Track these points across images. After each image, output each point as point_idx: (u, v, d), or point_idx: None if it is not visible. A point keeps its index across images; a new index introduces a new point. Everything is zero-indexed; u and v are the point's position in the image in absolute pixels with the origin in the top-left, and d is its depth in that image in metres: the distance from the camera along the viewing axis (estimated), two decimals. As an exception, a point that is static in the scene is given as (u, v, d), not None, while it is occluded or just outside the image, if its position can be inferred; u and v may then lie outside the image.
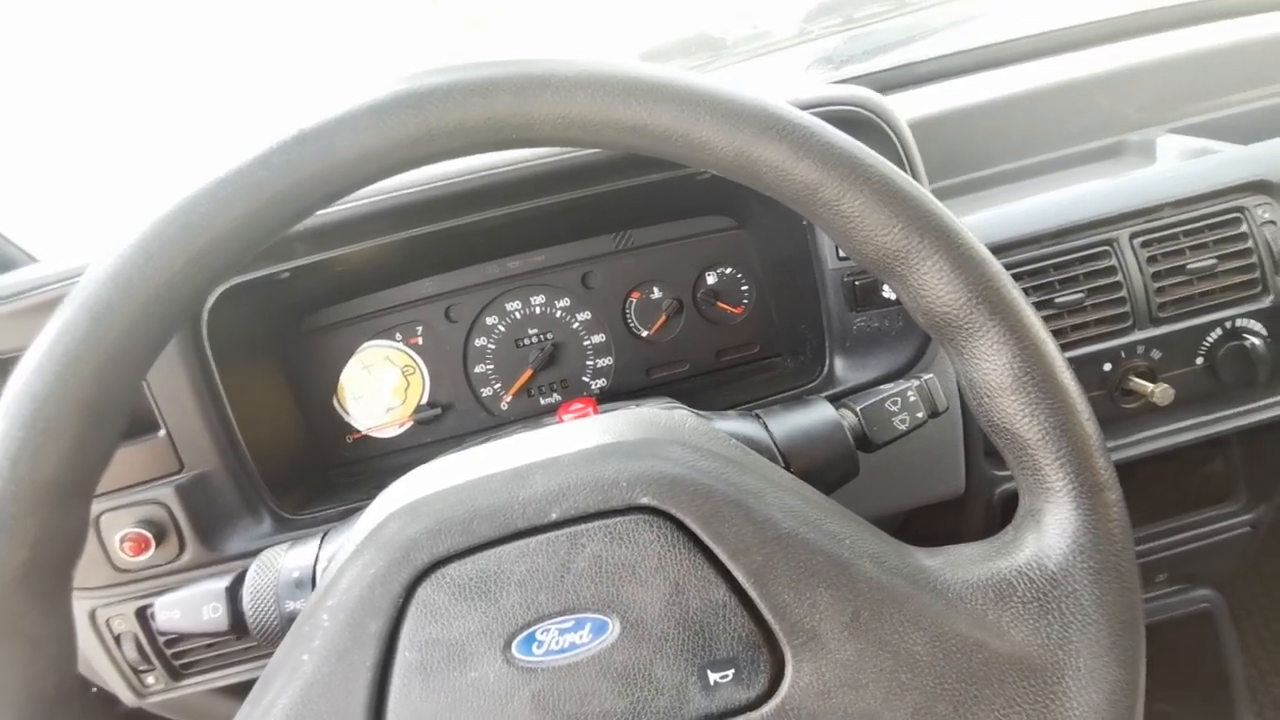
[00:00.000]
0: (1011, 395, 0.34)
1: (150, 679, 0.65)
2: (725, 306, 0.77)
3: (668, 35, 0.96)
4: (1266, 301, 0.69)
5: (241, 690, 0.72)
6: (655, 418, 0.42)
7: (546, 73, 0.34)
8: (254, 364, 0.68)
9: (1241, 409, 0.72)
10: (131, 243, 0.32)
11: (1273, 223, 0.68)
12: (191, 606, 0.46)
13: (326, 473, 0.75)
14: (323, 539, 0.47)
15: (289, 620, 0.45)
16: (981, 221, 0.67)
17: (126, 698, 0.66)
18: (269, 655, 0.66)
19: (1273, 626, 1.07)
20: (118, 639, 0.64)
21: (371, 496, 0.66)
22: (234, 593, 0.46)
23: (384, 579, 0.34)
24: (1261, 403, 0.72)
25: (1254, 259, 0.68)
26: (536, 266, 0.75)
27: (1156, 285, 0.68)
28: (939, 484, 0.70)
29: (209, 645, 0.65)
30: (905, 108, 0.65)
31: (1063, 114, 0.86)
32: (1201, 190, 0.69)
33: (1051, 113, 0.85)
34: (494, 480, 0.37)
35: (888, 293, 0.62)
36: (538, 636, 0.34)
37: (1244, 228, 0.68)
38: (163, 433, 0.60)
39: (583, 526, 0.34)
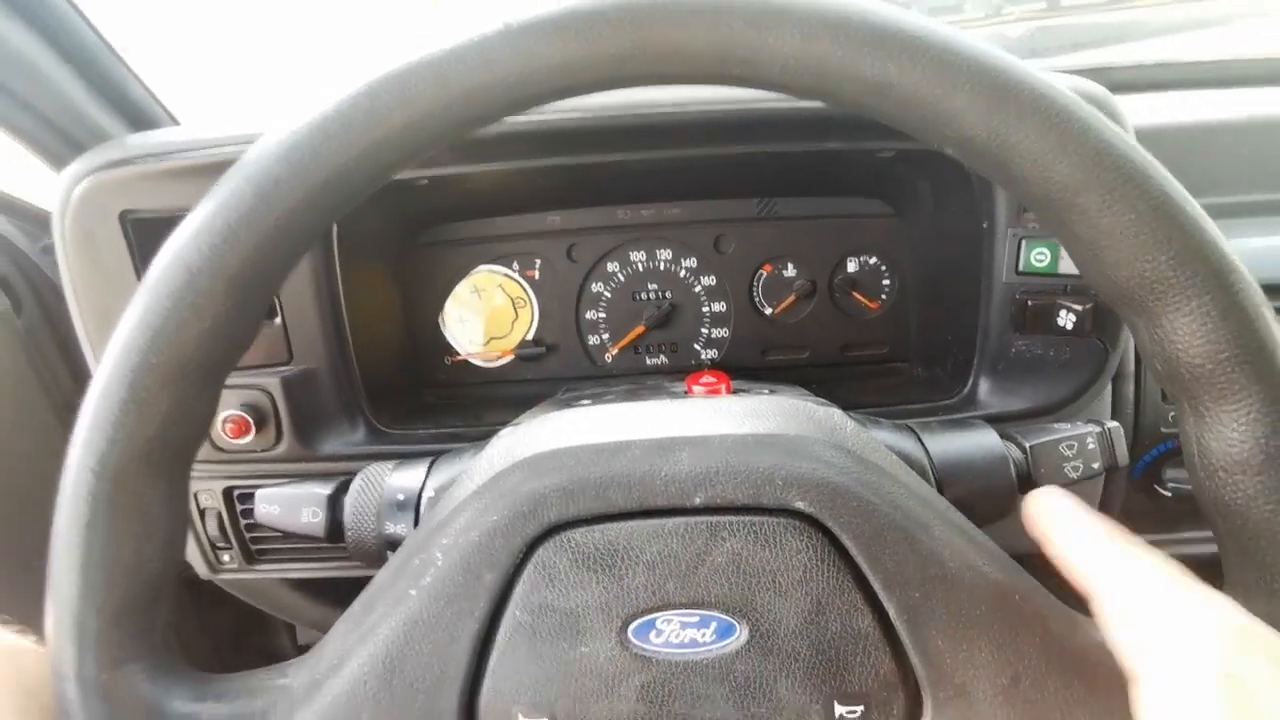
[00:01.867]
0: (1258, 475, 0.29)
1: (226, 557, 0.66)
2: (861, 298, 0.72)
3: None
4: None
5: (308, 585, 0.73)
6: (812, 413, 0.38)
7: (786, 3, 0.29)
8: (371, 269, 0.66)
9: None
10: (310, 121, 0.30)
11: None
12: (291, 506, 0.46)
13: (421, 391, 0.74)
14: (431, 466, 0.45)
15: (386, 541, 0.44)
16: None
17: (201, 569, 0.68)
18: (345, 560, 0.66)
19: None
20: (202, 514, 0.65)
21: (466, 423, 0.65)
22: (335, 501, 0.45)
23: (505, 530, 0.32)
24: None
25: None
26: (669, 219, 0.71)
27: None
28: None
29: (285, 537, 0.66)
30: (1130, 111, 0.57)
31: None
32: None
33: (1270, 149, 0.75)
34: (635, 447, 0.33)
35: (1063, 320, 0.55)
36: (658, 625, 0.31)
37: None
38: (279, 321, 0.59)
39: (727, 519, 0.31)
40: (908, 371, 0.71)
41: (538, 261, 0.73)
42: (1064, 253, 0.55)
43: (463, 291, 0.73)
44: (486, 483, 0.34)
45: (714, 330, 0.73)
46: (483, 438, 0.56)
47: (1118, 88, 0.80)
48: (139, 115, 0.63)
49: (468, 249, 0.73)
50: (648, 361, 0.74)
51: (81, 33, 0.55)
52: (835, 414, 0.39)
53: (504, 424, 0.62)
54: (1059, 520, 0.34)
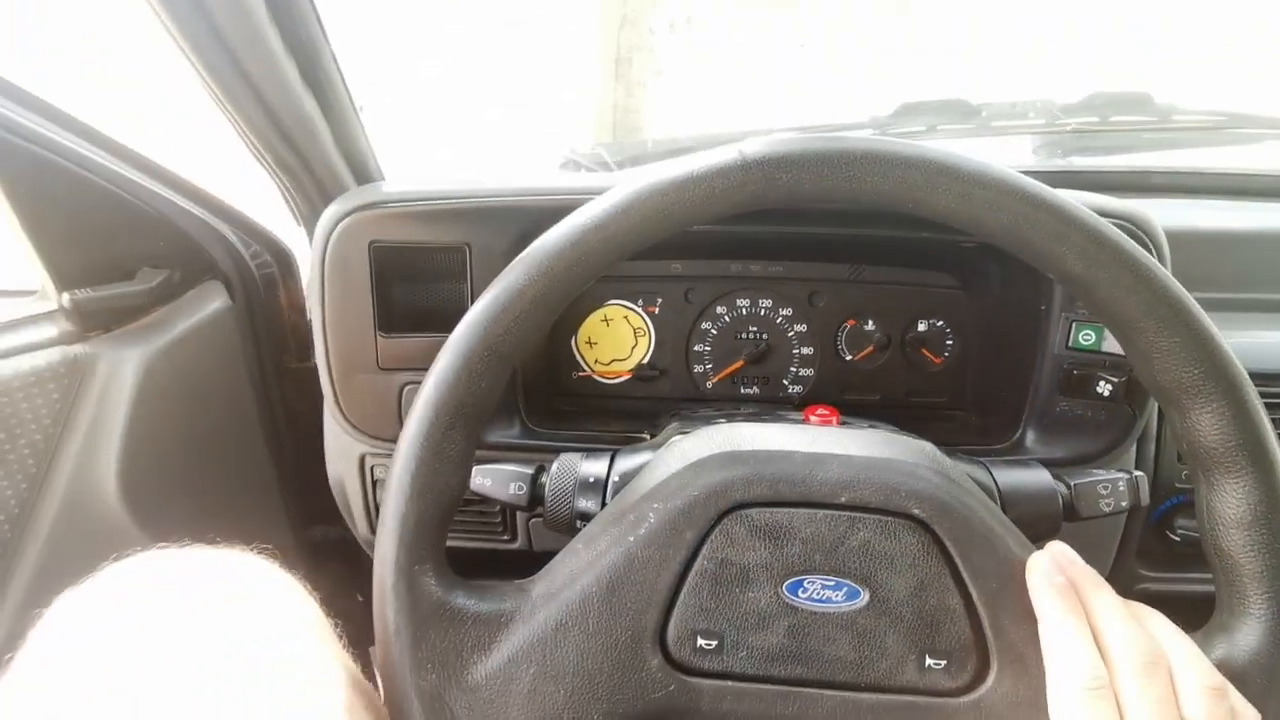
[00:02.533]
0: (1246, 531, 0.41)
1: (389, 522, 0.80)
2: (928, 354, 0.85)
3: (922, 93, 1.03)
4: None
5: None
6: (920, 446, 0.51)
7: (953, 165, 0.42)
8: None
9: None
10: (613, 203, 0.43)
11: None
12: (501, 480, 0.58)
13: (551, 398, 0.88)
14: (613, 457, 0.58)
15: (577, 514, 0.57)
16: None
17: (363, 530, 0.81)
18: (474, 532, 0.79)
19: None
20: (375, 484, 0.78)
21: (590, 428, 0.79)
22: (535, 479, 0.58)
23: (704, 501, 0.44)
24: None
25: None
26: (772, 275, 0.85)
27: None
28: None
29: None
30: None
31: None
32: None
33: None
34: (798, 456, 0.46)
35: (1101, 388, 0.69)
36: (805, 584, 0.43)
37: None
38: (468, 333, 0.74)
39: (861, 515, 0.44)
40: (963, 418, 0.84)
41: (659, 299, 0.87)
42: (1107, 335, 0.68)
43: (594, 319, 0.87)
44: (685, 468, 0.47)
45: (801, 370, 0.87)
46: (615, 441, 0.69)
47: (1152, 190, 0.94)
48: (362, 169, 0.78)
49: (604, 285, 0.87)
50: (742, 391, 0.88)
51: (344, 101, 0.71)
52: (931, 447, 0.52)
53: (627, 431, 0.76)
54: (1040, 593, 0.42)
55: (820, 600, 0.43)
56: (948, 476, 0.46)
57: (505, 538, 0.81)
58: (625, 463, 0.58)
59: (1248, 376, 0.41)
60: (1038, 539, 0.55)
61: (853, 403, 0.86)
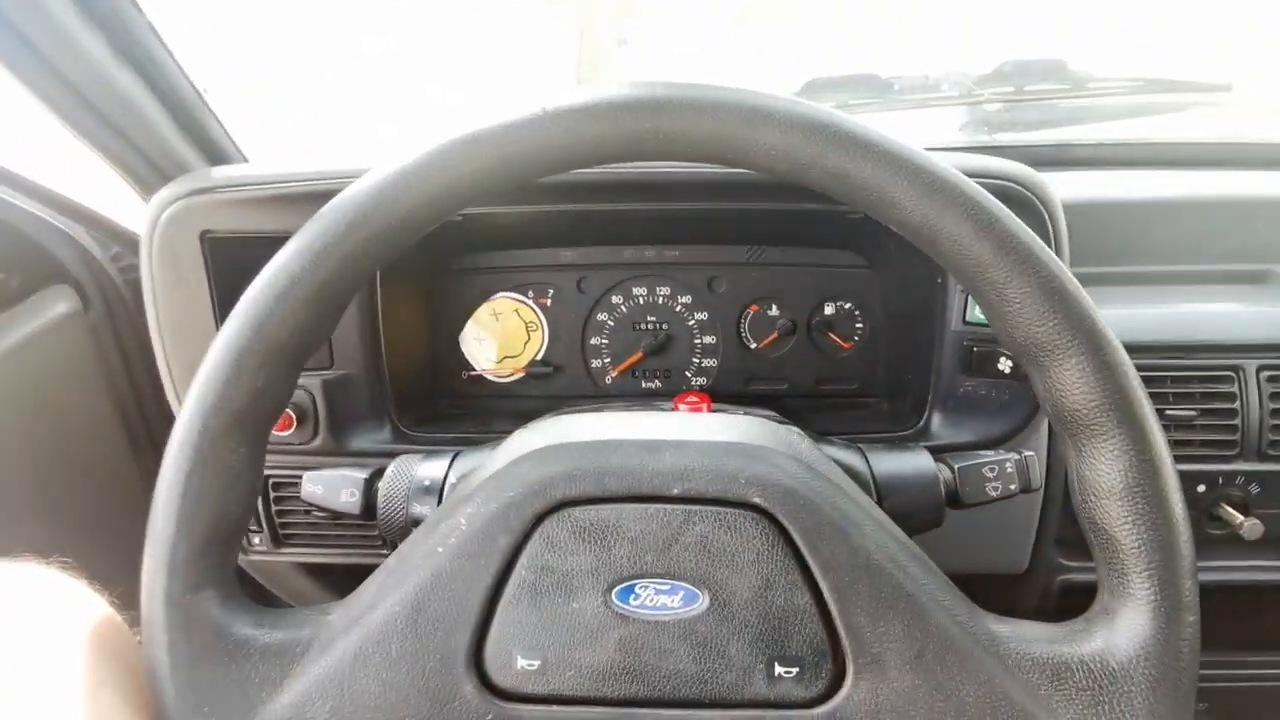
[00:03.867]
0: (1119, 501, 0.36)
1: (256, 540, 0.74)
2: (836, 338, 0.80)
3: (834, 69, 0.99)
4: (1385, 465, 0.68)
5: (320, 571, 0.80)
6: (775, 430, 0.46)
7: (771, 107, 0.37)
8: (405, 289, 0.75)
9: (1330, 564, 0.71)
10: (393, 169, 0.38)
11: None
12: (332, 487, 0.53)
13: (438, 401, 0.82)
14: (454, 458, 0.53)
15: (412, 520, 0.51)
16: (1113, 319, 0.68)
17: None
18: (359, 547, 0.74)
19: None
20: None
21: (478, 430, 0.73)
22: (370, 485, 0.53)
23: (519, 504, 0.39)
24: (1353, 563, 0.71)
25: (1383, 421, 0.67)
26: (669, 260, 0.80)
27: (1273, 422, 0.68)
28: (1004, 558, 0.72)
29: (310, 524, 0.73)
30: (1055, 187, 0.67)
31: (1214, 229, 0.85)
32: (1346, 340, 0.68)
33: (1202, 225, 0.84)
34: (628, 445, 0.41)
35: (1002, 365, 0.64)
36: (637, 590, 0.38)
37: (1381, 388, 0.67)
38: (324, 331, 0.68)
39: (697, 508, 0.39)
40: (875, 405, 0.79)
41: (551, 291, 0.82)
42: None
43: (483, 314, 0.82)
44: (505, 466, 0.42)
45: (704, 360, 0.82)
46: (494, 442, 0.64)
47: (1076, 163, 0.91)
48: (215, 151, 0.72)
49: (490, 276, 0.82)
50: (643, 385, 0.83)
51: (175, 77, 0.65)
52: (794, 431, 0.47)
53: (511, 432, 0.71)
54: None
55: (654, 608, 0.38)
56: (801, 461, 0.41)
57: (386, 553, 0.75)
58: (465, 463, 0.52)
59: (1107, 327, 0.37)
60: (920, 528, 0.50)
61: (759, 394, 0.81)
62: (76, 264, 0.78)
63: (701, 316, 0.81)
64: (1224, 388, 0.68)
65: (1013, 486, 0.51)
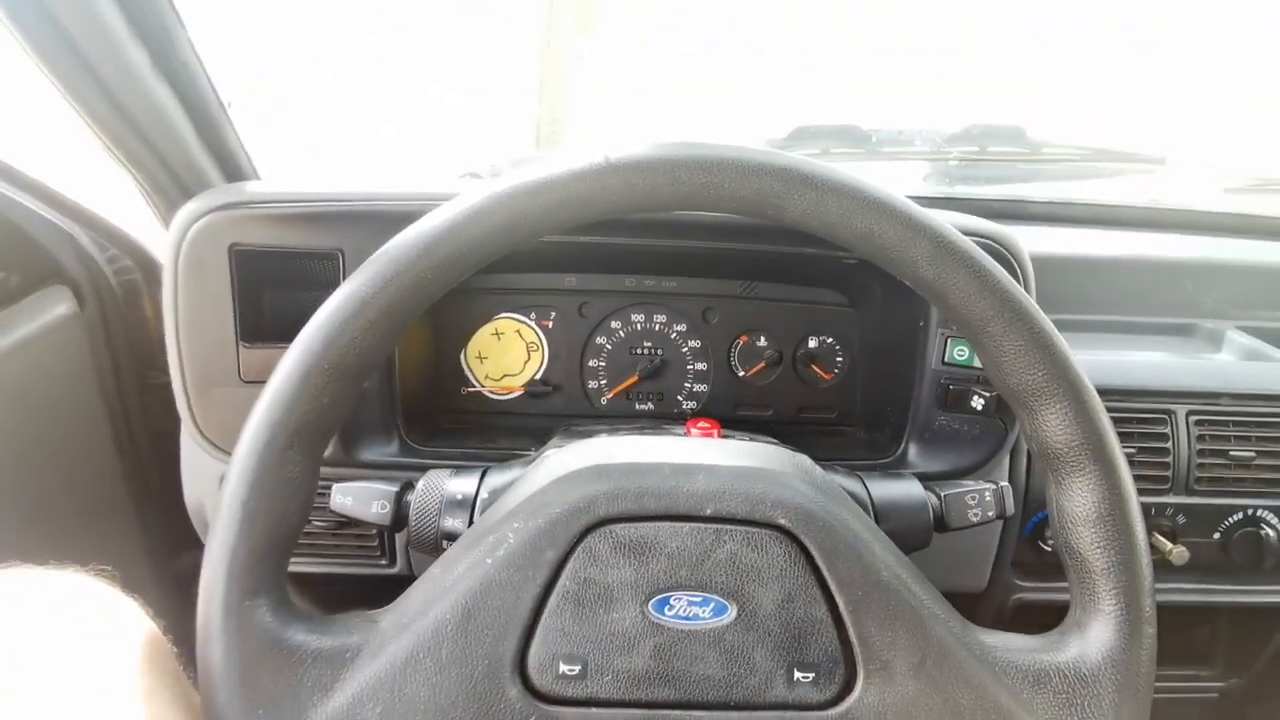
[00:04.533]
0: (1092, 528, 0.42)
1: (253, 547, 0.74)
2: (818, 370, 0.86)
3: (817, 118, 1.06)
4: (1289, 501, 0.78)
5: (312, 579, 0.81)
6: (793, 458, 0.51)
7: (809, 172, 0.42)
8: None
9: (1242, 588, 0.81)
10: (465, 207, 0.41)
11: (1312, 436, 0.77)
12: (363, 499, 0.55)
13: (438, 416, 0.84)
14: (484, 474, 0.56)
15: (443, 534, 0.54)
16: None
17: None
18: (351, 558, 0.75)
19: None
20: None
21: (479, 446, 0.76)
22: (400, 498, 0.55)
23: (565, 519, 0.42)
24: (1261, 587, 0.81)
25: (1288, 462, 0.77)
26: (666, 290, 0.85)
27: (1199, 461, 0.77)
28: (965, 577, 0.79)
29: (308, 534, 0.74)
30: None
31: (1148, 285, 0.95)
32: (1260, 390, 0.78)
33: (1138, 281, 0.95)
34: (664, 468, 0.45)
35: (975, 403, 0.71)
36: (671, 601, 0.42)
37: (1287, 433, 0.77)
38: (341, 345, 0.70)
39: (728, 527, 0.43)
40: (852, 434, 0.85)
41: (553, 313, 0.85)
42: (978, 352, 0.71)
43: (485, 333, 0.85)
44: (549, 484, 0.45)
45: (695, 385, 0.87)
46: (500, 458, 0.67)
47: (1028, 218, 1.00)
48: (232, 165, 0.73)
49: (494, 296, 0.84)
50: (637, 407, 0.87)
51: (205, 91, 0.66)
52: (806, 459, 0.52)
53: (514, 448, 0.74)
54: None
55: (687, 618, 0.42)
56: (817, 486, 0.46)
57: (383, 562, 0.76)
58: (496, 479, 0.55)
59: (1087, 379, 0.43)
60: (910, 549, 0.56)
61: (745, 419, 0.87)
62: (75, 264, 0.77)
63: (694, 344, 0.86)
64: (1158, 428, 0.77)
65: (990, 513, 0.57)
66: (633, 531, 0.43)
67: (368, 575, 0.77)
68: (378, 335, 0.41)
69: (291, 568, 0.76)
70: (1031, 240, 0.88)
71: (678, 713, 0.42)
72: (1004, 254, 0.66)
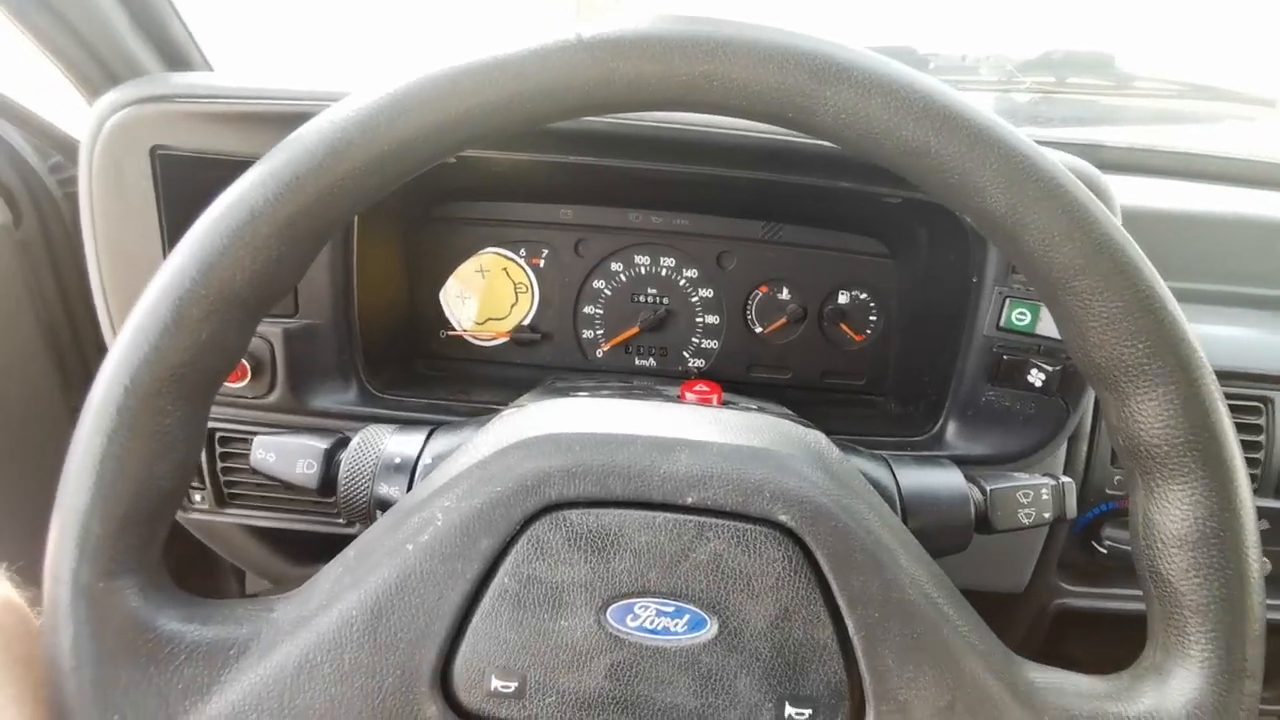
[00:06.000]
0: (1190, 551, 0.33)
1: (198, 497, 0.67)
2: (848, 330, 0.75)
3: (868, 38, 0.92)
4: (1403, 513, 0.65)
5: (269, 534, 0.73)
6: (801, 435, 0.40)
7: (848, 61, 0.31)
8: (383, 236, 0.68)
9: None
10: (390, 92, 0.32)
11: None
12: (287, 455, 0.47)
13: (414, 361, 0.75)
14: (430, 434, 0.47)
15: (378, 501, 0.45)
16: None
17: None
18: (312, 514, 0.67)
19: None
20: None
21: (454, 397, 0.67)
22: (331, 456, 0.46)
23: (506, 501, 0.34)
24: (1353, 609, 0.69)
25: None
26: (676, 229, 0.74)
27: (1296, 458, 0.65)
28: (1002, 576, 0.68)
29: (259, 485, 0.67)
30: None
31: (1242, 250, 0.81)
32: (1381, 380, 0.65)
33: (1230, 245, 0.81)
34: (638, 442, 0.36)
35: (1033, 377, 0.59)
36: (636, 610, 0.33)
37: None
38: (289, 274, 0.60)
39: (714, 521, 0.34)
40: (882, 405, 0.74)
41: (545, 251, 0.75)
42: (1043, 314, 0.59)
43: (467, 270, 0.75)
44: (493, 455, 0.36)
45: (704, 341, 0.76)
46: (473, 413, 0.58)
47: (1105, 166, 0.86)
48: (175, 54, 0.63)
49: (478, 229, 0.74)
50: (637, 362, 0.77)
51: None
52: (821, 438, 0.42)
53: (492, 402, 0.64)
54: None
55: (654, 631, 0.33)
56: (830, 474, 0.36)
57: (341, 520, 0.68)
58: (443, 442, 0.46)
59: (1204, 358, 0.32)
60: (943, 552, 0.46)
61: (760, 382, 0.76)
62: (7, 169, 0.68)
63: (706, 293, 0.75)
64: (1251, 419, 0.65)
65: (1046, 515, 0.47)
66: (592, 520, 0.34)
67: (332, 535, 0.69)
68: (273, 256, 0.32)
69: (249, 521, 0.70)
70: (1124, 193, 0.76)
71: None
72: (1089, 197, 0.53)
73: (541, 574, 0.33)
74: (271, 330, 0.60)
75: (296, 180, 0.31)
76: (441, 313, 0.75)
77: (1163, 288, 0.32)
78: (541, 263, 0.75)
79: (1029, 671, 0.35)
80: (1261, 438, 0.65)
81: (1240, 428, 0.64)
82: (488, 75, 0.31)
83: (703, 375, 0.76)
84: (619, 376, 0.72)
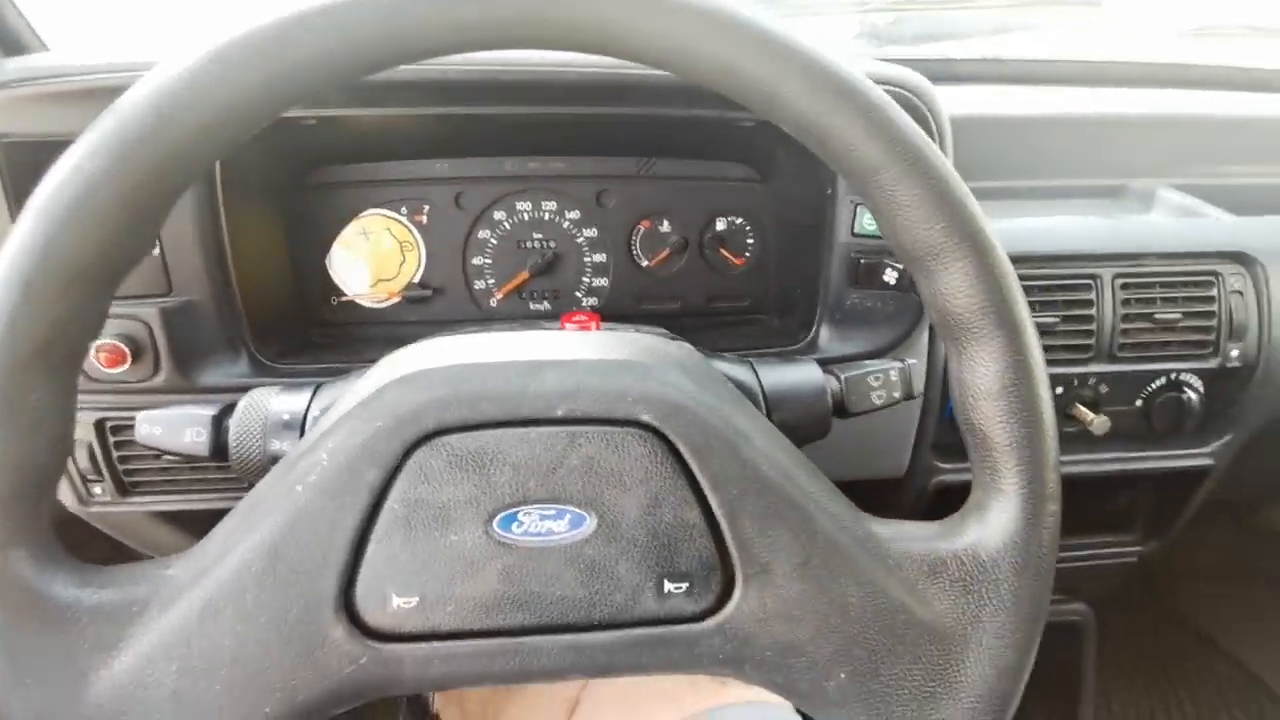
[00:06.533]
0: (995, 401, 0.37)
1: (97, 489, 0.66)
2: (728, 255, 0.79)
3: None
4: (1213, 363, 0.75)
5: (181, 518, 0.73)
6: (665, 347, 0.44)
7: None
8: (256, 204, 0.67)
9: (1163, 454, 0.79)
10: (214, 49, 0.32)
11: (1239, 293, 0.74)
12: (174, 426, 0.47)
13: (307, 329, 0.75)
14: (316, 389, 0.48)
15: (271, 459, 0.46)
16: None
17: (70, 502, 0.67)
18: (220, 491, 0.68)
19: (1128, 648, 1.19)
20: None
21: (350, 360, 0.68)
22: (219, 422, 0.47)
23: (387, 434, 0.36)
24: (1181, 452, 0.79)
25: (1214, 322, 0.73)
26: (554, 173, 0.75)
27: (1123, 326, 0.73)
28: (884, 462, 0.75)
29: (162, 469, 0.66)
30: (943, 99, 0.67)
31: (1079, 146, 0.89)
32: (1186, 249, 0.73)
33: (1068, 143, 0.88)
34: (508, 368, 0.38)
35: (888, 277, 0.65)
36: (520, 517, 0.36)
37: (1214, 292, 0.73)
38: (156, 252, 0.59)
39: (583, 429, 0.37)
40: (765, 322, 0.79)
41: (426, 207, 0.75)
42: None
43: (350, 233, 0.74)
44: (372, 394, 0.38)
45: (594, 279, 0.79)
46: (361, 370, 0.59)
47: (961, 78, 0.92)
48: (11, 40, 0.60)
49: (356, 192, 0.74)
50: (531, 307, 0.79)
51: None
52: (684, 347, 0.45)
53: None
54: None
55: (540, 534, 0.37)
56: (690, 376, 0.40)
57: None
58: (330, 394, 0.48)
59: (993, 234, 0.37)
60: (809, 439, 0.51)
61: (651, 313, 0.80)
62: None
63: (590, 233, 0.77)
64: (1083, 295, 0.73)
65: (896, 394, 0.52)
66: (471, 442, 0.36)
67: None
68: (119, 225, 0.32)
69: (156, 507, 0.70)
70: (959, 101, 0.81)
71: (534, 639, 0.37)
72: (916, 105, 0.58)
73: (428, 497, 0.36)
74: (146, 311, 0.59)
75: (127, 145, 0.31)
76: (329, 279, 0.75)
77: (954, 177, 0.36)
78: (424, 219, 0.75)
79: (873, 525, 0.40)
80: (1093, 310, 0.73)
81: (1072, 303, 0.72)
82: (304, 27, 0.32)
83: (596, 312, 0.79)
84: (514, 324, 0.74)
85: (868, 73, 0.56)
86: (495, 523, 0.36)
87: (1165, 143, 0.92)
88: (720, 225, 0.78)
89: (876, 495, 0.79)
